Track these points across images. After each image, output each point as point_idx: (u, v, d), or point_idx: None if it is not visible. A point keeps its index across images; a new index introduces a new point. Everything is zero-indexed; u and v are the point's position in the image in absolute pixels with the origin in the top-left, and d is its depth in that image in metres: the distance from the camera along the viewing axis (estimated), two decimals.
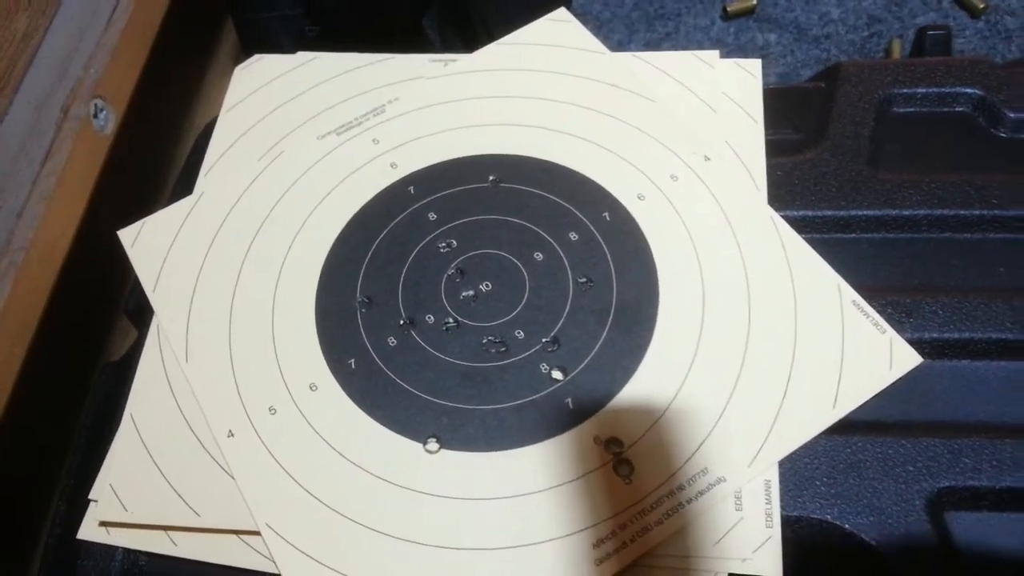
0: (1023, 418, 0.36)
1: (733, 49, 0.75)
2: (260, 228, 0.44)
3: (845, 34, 0.73)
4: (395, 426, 0.37)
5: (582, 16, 0.78)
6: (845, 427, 0.36)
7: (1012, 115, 0.46)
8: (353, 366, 0.39)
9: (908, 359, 0.37)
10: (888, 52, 0.72)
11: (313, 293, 0.41)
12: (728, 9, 0.75)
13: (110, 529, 0.36)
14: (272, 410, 0.38)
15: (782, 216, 0.42)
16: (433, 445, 0.36)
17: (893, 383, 0.37)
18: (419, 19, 0.60)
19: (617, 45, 0.76)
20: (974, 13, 0.73)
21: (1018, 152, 0.45)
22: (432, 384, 0.38)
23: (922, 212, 0.43)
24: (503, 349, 0.39)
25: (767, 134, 0.46)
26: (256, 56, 0.52)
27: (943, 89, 0.48)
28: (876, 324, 0.38)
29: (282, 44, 0.63)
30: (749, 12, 0.76)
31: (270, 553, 0.34)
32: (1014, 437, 0.35)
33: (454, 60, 0.51)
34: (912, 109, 0.47)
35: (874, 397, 0.36)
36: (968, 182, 0.43)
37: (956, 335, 0.38)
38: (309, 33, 0.60)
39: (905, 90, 0.48)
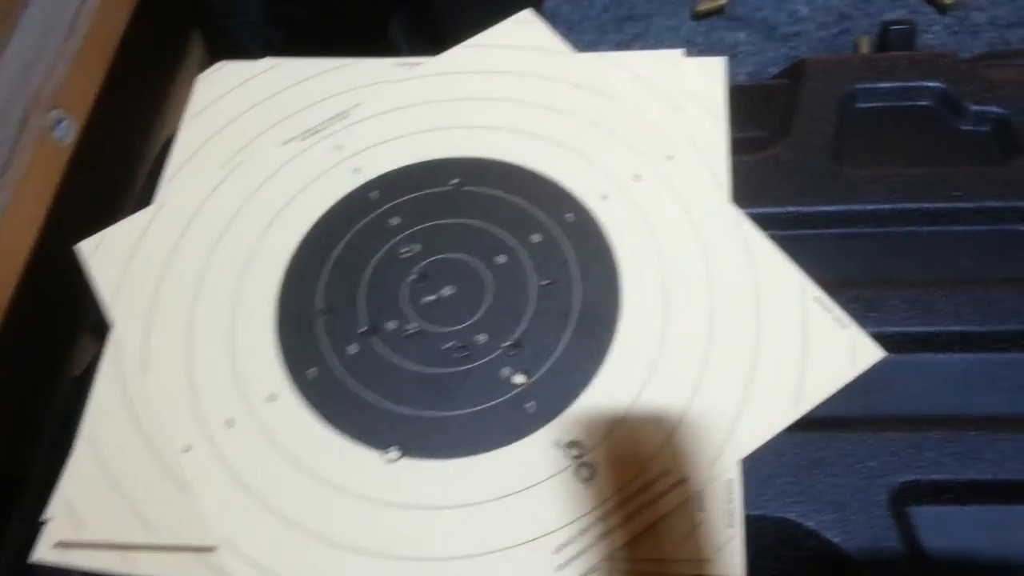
0: (985, 410, 0.36)
1: (703, 48, 0.75)
2: (221, 237, 0.43)
3: (814, 31, 0.73)
4: (356, 435, 0.36)
5: (552, 18, 0.78)
6: (808, 424, 0.35)
7: (974, 108, 0.46)
8: (313, 375, 0.38)
9: (871, 354, 0.37)
10: (857, 49, 0.72)
11: (274, 302, 0.41)
12: (697, 9, 0.75)
13: (66, 550, 0.35)
14: (230, 422, 0.37)
15: (746, 213, 0.42)
16: (394, 453, 0.36)
17: (856, 378, 0.36)
18: (386, 24, 0.60)
19: (587, 47, 0.75)
20: (942, 9, 0.74)
21: (980, 144, 0.45)
22: (394, 391, 0.38)
23: (885, 206, 0.42)
24: (465, 354, 0.39)
25: (733, 132, 0.46)
26: (219, 63, 0.52)
27: (906, 83, 0.48)
28: (838, 320, 0.38)
29: (250, 51, 0.63)
30: (719, 11, 0.76)
31: (229, 570, 0.34)
32: (976, 429, 0.35)
33: (418, 63, 0.50)
34: (876, 104, 0.47)
35: (837, 392, 0.36)
36: (931, 175, 0.43)
37: (919, 328, 0.38)
38: (276, 40, 0.59)
39: (868, 85, 0.48)
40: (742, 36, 0.75)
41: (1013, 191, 0.42)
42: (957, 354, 0.38)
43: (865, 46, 0.71)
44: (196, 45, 0.72)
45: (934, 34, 0.74)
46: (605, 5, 0.78)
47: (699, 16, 0.75)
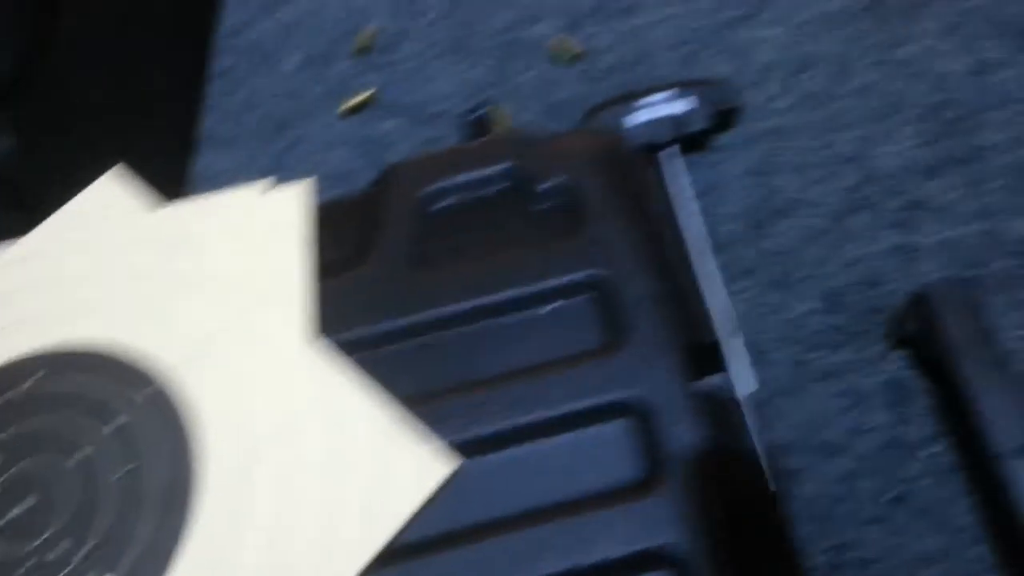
0: (577, 493, 0.37)
1: (360, 142, 0.76)
2: None
3: (455, 109, 0.75)
4: None
5: (207, 140, 0.77)
6: (391, 554, 0.36)
7: (542, 187, 0.48)
8: None
9: (443, 466, 0.38)
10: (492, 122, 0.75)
11: None
12: (342, 109, 0.76)
13: None
14: None
15: (333, 340, 0.42)
16: None
17: (438, 493, 0.37)
18: None
19: (243, 163, 0.75)
20: (569, 62, 0.78)
21: (553, 222, 0.47)
22: None
23: (464, 306, 0.44)
24: (50, 566, 0.37)
25: (322, 254, 0.46)
26: None
27: (482, 172, 0.49)
28: (411, 438, 0.38)
29: None
30: (368, 104, 0.77)
31: None
32: (565, 516, 0.36)
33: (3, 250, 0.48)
34: (454, 199, 0.49)
35: (421, 513, 0.37)
36: (502, 265, 0.45)
37: (498, 426, 0.39)
38: None
39: (446, 182, 0.49)
40: (392, 124, 0.76)
41: (580, 262, 0.45)
42: (536, 443, 0.39)
43: (502, 117, 0.73)
44: None
45: (570, 86, 0.78)
46: (257, 119, 0.78)
47: (347, 114, 0.77)
